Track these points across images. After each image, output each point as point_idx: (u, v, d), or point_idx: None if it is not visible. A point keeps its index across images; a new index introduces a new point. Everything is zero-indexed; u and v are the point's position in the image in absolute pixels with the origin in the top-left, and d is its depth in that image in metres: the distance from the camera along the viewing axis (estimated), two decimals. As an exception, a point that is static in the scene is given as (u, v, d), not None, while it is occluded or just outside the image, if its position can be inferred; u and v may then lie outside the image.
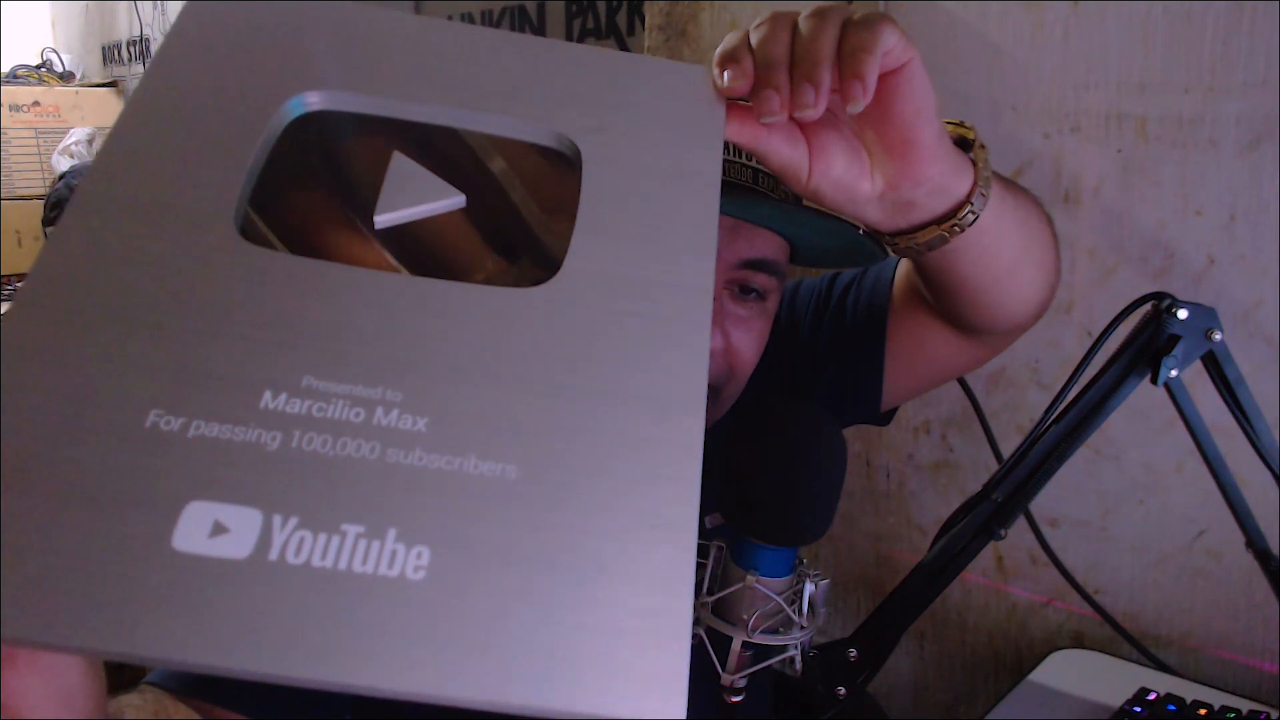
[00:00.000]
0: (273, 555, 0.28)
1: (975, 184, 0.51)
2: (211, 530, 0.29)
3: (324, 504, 0.30)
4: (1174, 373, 0.65)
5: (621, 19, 1.57)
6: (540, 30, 1.71)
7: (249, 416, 0.31)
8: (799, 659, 0.53)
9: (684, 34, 1.17)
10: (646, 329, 0.35)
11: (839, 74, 0.42)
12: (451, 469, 0.31)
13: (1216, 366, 0.66)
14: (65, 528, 0.28)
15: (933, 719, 1.11)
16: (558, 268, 0.36)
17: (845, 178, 0.48)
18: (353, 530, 0.29)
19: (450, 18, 1.89)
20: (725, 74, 0.43)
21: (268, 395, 0.31)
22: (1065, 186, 0.91)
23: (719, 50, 0.44)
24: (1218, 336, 0.65)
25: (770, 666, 0.54)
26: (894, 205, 0.50)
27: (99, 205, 0.34)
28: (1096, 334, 0.69)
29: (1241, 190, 0.82)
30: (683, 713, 0.28)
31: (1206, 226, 0.84)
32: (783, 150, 0.46)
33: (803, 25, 0.43)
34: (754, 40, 0.44)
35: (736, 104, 0.43)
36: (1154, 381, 0.65)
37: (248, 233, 0.35)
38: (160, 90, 0.38)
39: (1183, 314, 0.64)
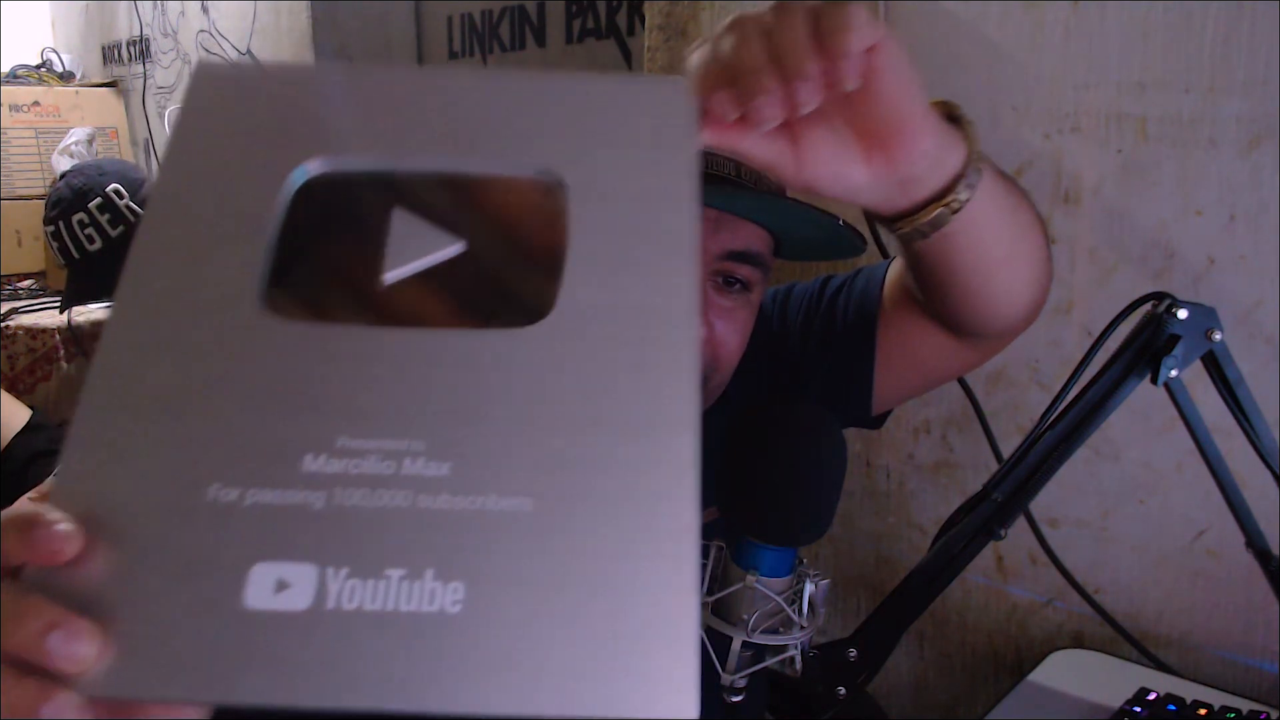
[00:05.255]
0: (330, 604, 0.32)
1: (969, 156, 0.51)
2: (276, 587, 0.32)
3: (369, 553, 0.33)
4: (1174, 373, 0.65)
5: (621, 19, 1.56)
6: (540, 30, 1.71)
7: (295, 480, 0.34)
8: (799, 659, 0.53)
9: (684, 34, 1.17)
10: (638, 355, 0.37)
11: (823, 59, 0.41)
12: (475, 508, 0.34)
13: (1216, 366, 0.66)
14: (150, 596, 0.32)
15: (932, 719, 1.11)
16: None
17: (834, 164, 0.47)
18: (396, 574, 0.33)
19: (450, 18, 1.89)
20: (717, 102, 0.42)
21: (308, 458, 0.34)
22: (1065, 186, 0.91)
23: (696, 76, 0.43)
24: (1218, 336, 0.65)
25: (769, 666, 0.54)
26: (894, 185, 0.50)
27: (139, 299, 0.38)
28: (1096, 334, 0.69)
29: (1241, 190, 0.82)
30: (695, 712, 0.31)
31: (1206, 226, 0.84)
32: (763, 147, 0.45)
33: (773, 23, 0.42)
34: (725, 51, 0.43)
35: (710, 110, 0.43)
36: (1154, 381, 0.65)
37: (274, 303, 0.38)
38: (178, 175, 0.41)
39: (1183, 314, 0.64)
